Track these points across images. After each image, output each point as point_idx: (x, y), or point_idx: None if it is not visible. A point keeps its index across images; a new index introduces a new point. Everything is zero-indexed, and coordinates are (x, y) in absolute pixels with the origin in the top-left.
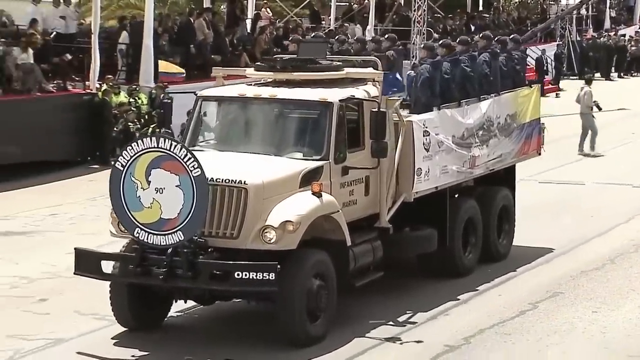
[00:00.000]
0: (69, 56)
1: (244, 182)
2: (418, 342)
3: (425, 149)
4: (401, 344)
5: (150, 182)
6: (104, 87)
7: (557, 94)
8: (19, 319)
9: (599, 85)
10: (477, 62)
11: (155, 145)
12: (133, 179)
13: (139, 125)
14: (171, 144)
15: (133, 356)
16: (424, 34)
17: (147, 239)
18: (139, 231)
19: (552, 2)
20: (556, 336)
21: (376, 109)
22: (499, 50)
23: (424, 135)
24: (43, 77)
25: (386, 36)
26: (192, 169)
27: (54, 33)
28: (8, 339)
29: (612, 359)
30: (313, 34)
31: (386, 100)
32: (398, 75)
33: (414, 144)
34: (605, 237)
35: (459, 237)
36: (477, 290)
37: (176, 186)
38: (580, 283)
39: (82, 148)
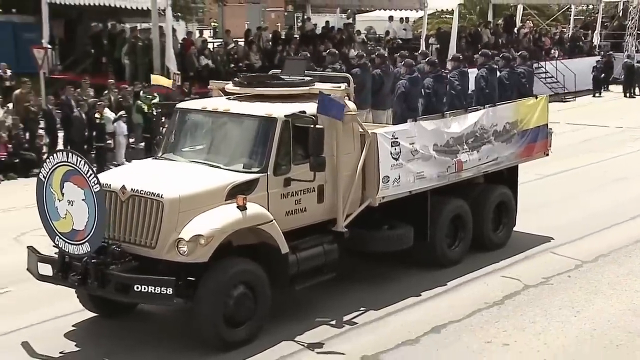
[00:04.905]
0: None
1: (161, 195)
2: (336, 353)
3: (394, 158)
4: (318, 352)
5: (64, 194)
6: None
7: None
8: None
9: None
10: (467, 77)
11: (65, 160)
12: (51, 189)
13: None
14: (77, 159)
15: (61, 352)
16: (634, 35)
17: (65, 247)
18: (58, 239)
19: None
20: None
21: (313, 126)
22: (496, 66)
23: (392, 145)
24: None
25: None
26: (93, 184)
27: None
28: None
29: None
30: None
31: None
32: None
33: (378, 153)
34: None
35: (441, 233)
36: (446, 285)
37: (82, 200)
38: None
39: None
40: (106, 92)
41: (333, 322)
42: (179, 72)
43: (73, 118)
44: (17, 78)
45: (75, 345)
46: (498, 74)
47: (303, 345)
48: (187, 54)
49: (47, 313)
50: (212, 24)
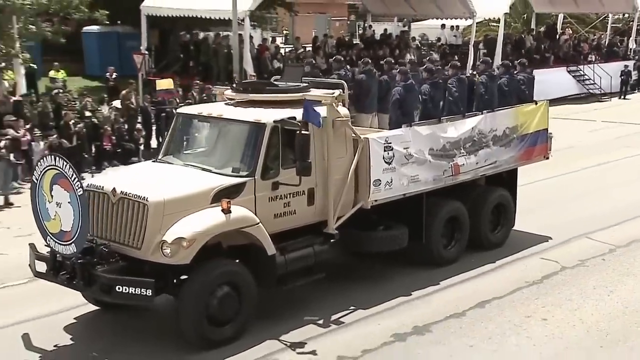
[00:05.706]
0: (456, 57)
1: (146, 198)
2: (312, 352)
3: (386, 162)
4: (298, 352)
5: (53, 196)
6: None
7: None
8: None
9: None
10: (465, 84)
11: (53, 164)
12: (42, 191)
13: None
14: (63, 164)
15: (55, 346)
16: None
17: (55, 247)
18: (49, 239)
19: None
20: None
21: (299, 132)
22: (495, 73)
23: (385, 150)
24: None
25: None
26: (77, 188)
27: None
28: None
29: None
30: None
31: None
32: None
33: (370, 158)
34: None
35: (437, 234)
36: (438, 284)
37: (68, 202)
38: None
39: None
40: (191, 92)
41: (320, 321)
42: (254, 74)
43: (167, 113)
44: (122, 80)
45: (70, 339)
46: (498, 80)
47: (286, 344)
48: (262, 58)
49: (49, 307)
50: (284, 31)
